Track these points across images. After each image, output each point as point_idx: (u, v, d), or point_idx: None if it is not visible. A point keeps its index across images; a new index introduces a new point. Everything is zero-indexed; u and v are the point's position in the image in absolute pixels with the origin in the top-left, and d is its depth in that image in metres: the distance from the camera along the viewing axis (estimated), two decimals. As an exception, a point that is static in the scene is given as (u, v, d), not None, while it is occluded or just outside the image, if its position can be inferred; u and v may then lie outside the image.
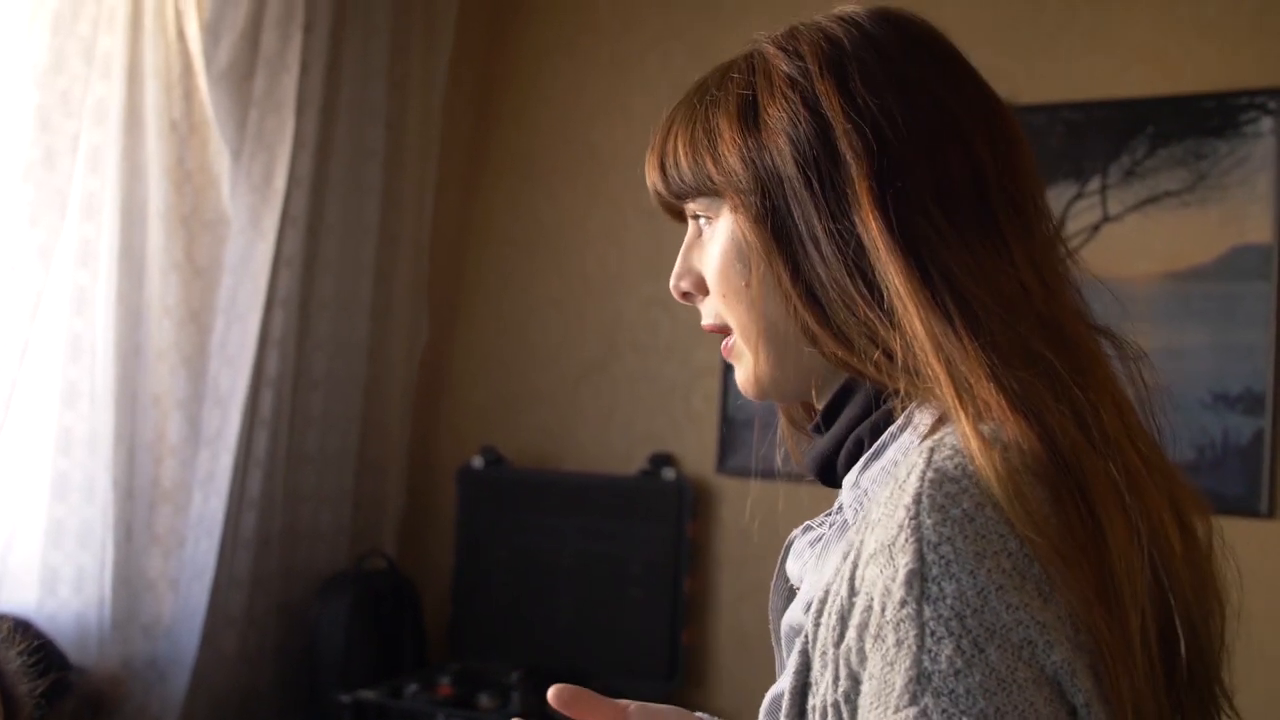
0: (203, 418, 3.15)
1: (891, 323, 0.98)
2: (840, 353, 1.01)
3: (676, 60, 3.38)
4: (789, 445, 1.22)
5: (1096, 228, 3.11)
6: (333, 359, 3.44)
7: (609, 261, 3.50)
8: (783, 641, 1.10)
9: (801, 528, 1.12)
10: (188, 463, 3.13)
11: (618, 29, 3.52)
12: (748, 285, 1.05)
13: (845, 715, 0.89)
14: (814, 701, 0.93)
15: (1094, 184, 3.12)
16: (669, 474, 3.35)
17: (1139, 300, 3.03)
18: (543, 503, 3.51)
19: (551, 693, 1.19)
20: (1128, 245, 3.06)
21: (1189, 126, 3.04)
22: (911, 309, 0.96)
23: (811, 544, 1.08)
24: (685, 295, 1.14)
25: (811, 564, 1.06)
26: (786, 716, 0.95)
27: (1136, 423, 0.99)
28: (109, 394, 2.93)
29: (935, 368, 0.94)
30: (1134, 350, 1.03)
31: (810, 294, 1.01)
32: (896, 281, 0.97)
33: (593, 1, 3.61)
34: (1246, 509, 2.89)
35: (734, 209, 1.05)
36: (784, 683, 0.99)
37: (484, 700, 3.05)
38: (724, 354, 1.12)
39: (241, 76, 3.10)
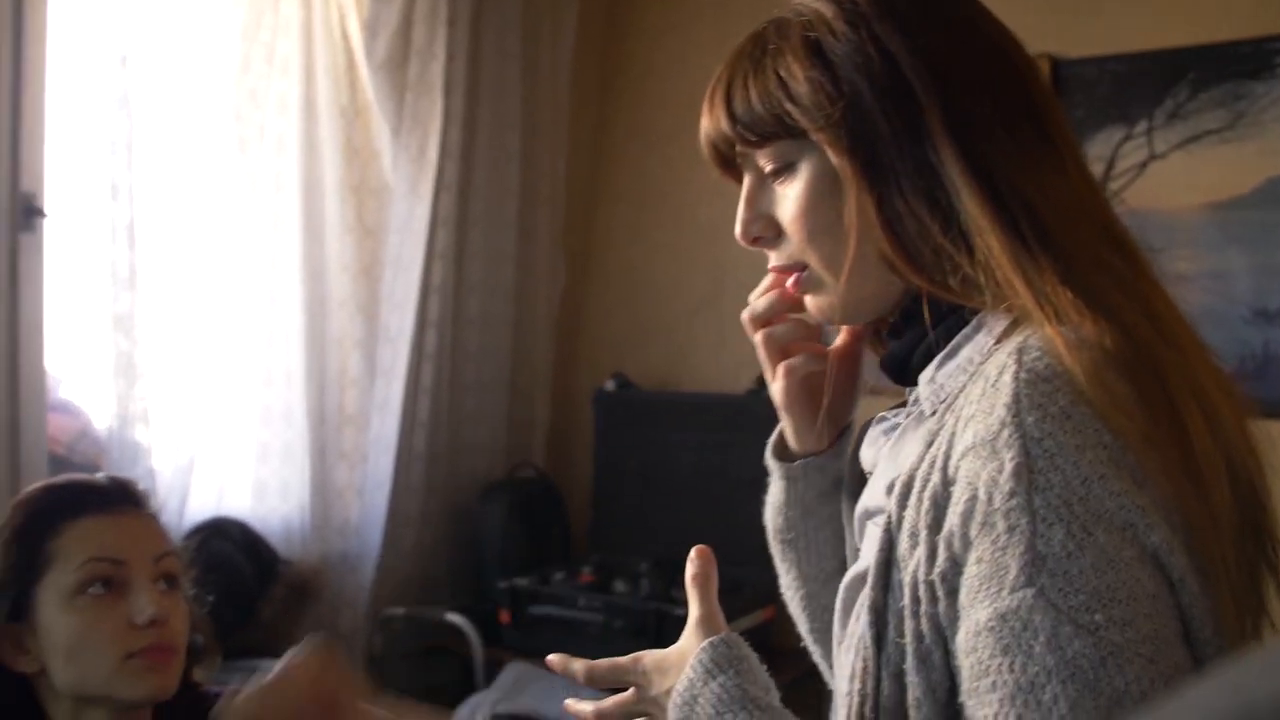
0: (377, 354, 3.24)
1: (966, 247, 0.93)
2: (918, 279, 0.97)
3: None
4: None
5: (1144, 165, 3.06)
6: (485, 302, 3.49)
7: (714, 211, 3.43)
8: (855, 523, 1.08)
9: (875, 418, 1.09)
10: (366, 392, 3.24)
11: (716, 12, 3.50)
12: (838, 219, 0.98)
13: (940, 593, 0.87)
14: (900, 577, 0.91)
15: (1141, 126, 3.06)
16: (772, 392, 3.34)
17: (1184, 229, 2.99)
18: (666, 419, 3.54)
19: (558, 661, 1.15)
20: (1173, 179, 3.01)
21: (1227, 72, 2.96)
22: (987, 229, 0.92)
23: (886, 432, 1.05)
24: (755, 240, 1.06)
25: (886, 450, 1.03)
26: (873, 589, 0.93)
27: (1179, 310, 0.96)
28: (300, 337, 3.06)
29: (1014, 281, 0.91)
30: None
31: (892, 225, 0.96)
32: (971, 205, 0.93)
33: (696, -12, 3.58)
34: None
35: (824, 144, 0.98)
36: (867, 559, 0.98)
37: (618, 586, 3.12)
38: (792, 288, 1.06)
39: (397, 66, 3.16)
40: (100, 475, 1.51)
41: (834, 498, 1.16)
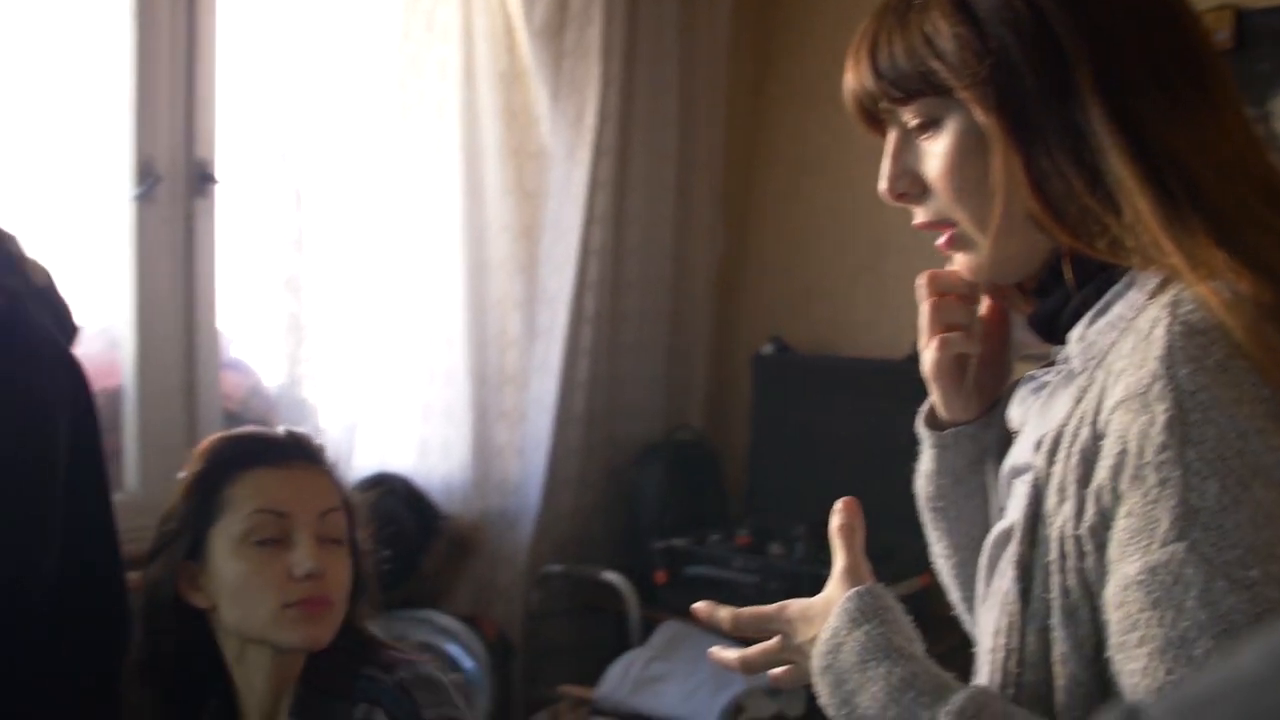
0: (537, 316, 3.26)
1: (1114, 208, 0.91)
2: (1066, 239, 0.95)
3: None
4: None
5: (1339, 118, 2.81)
6: (643, 265, 3.48)
7: (875, 175, 3.27)
8: (1001, 483, 1.07)
9: (1023, 378, 1.08)
10: (526, 353, 3.25)
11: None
12: (984, 177, 0.96)
13: (1089, 548, 0.87)
14: (1047, 532, 0.91)
15: (1338, 78, 2.80)
16: (932, 356, 3.26)
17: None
18: (824, 383, 3.50)
19: (702, 608, 1.15)
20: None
21: None
22: (1135, 190, 0.90)
23: (1034, 391, 1.04)
24: (901, 196, 1.05)
25: (1036, 409, 1.02)
26: (1020, 544, 0.93)
27: None
28: (461, 299, 3.08)
29: (1164, 243, 0.88)
30: None
31: (1039, 184, 0.94)
32: (1119, 165, 0.90)
33: (856, -50, 3.52)
34: None
35: (970, 102, 0.96)
36: (1013, 516, 0.98)
37: (774, 548, 3.10)
38: (944, 246, 1.05)
39: (554, 31, 3.16)
40: (280, 429, 1.58)
41: (984, 467, 1.15)
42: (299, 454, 1.53)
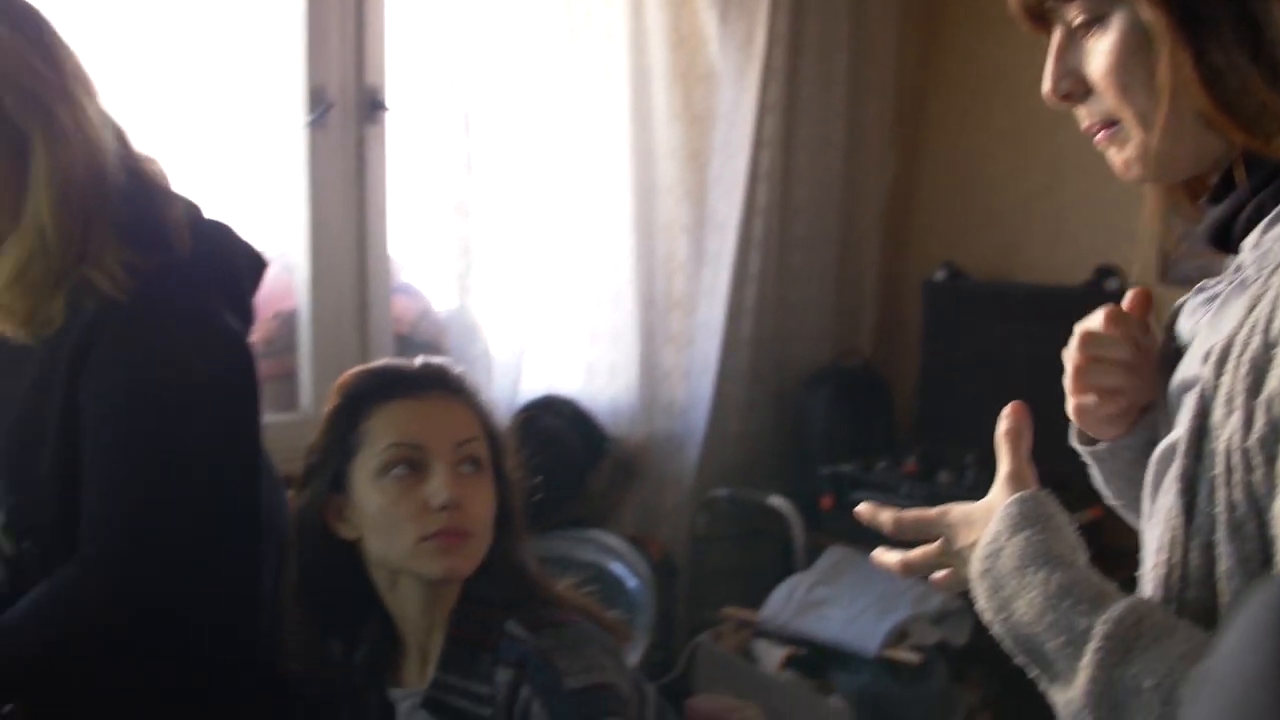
0: (705, 241, 3.23)
1: None
2: (1241, 137, 0.91)
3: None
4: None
5: None
6: (812, 190, 3.42)
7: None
8: (1170, 398, 1.02)
9: (1195, 289, 1.03)
10: (694, 277, 3.24)
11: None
12: (1151, 76, 0.92)
13: (1257, 461, 0.83)
14: (1213, 446, 0.88)
15: None
16: (1113, 284, 3.13)
17: None
18: (997, 309, 3.40)
19: (866, 511, 1.14)
20: None
21: None
22: None
23: (1205, 302, 1.00)
24: (1065, 97, 1.00)
25: (1206, 320, 0.98)
26: (1184, 458, 0.90)
27: None
28: (629, 223, 3.07)
29: None
30: None
31: (1211, 79, 0.90)
32: None
33: None
34: None
35: None
36: (1179, 430, 0.94)
37: (943, 477, 3.05)
38: (1100, 141, 1.00)
39: None
40: (416, 360, 1.57)
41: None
42: (434, 385, 1.52)
